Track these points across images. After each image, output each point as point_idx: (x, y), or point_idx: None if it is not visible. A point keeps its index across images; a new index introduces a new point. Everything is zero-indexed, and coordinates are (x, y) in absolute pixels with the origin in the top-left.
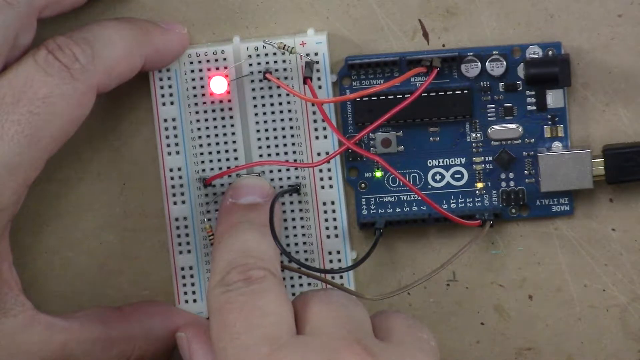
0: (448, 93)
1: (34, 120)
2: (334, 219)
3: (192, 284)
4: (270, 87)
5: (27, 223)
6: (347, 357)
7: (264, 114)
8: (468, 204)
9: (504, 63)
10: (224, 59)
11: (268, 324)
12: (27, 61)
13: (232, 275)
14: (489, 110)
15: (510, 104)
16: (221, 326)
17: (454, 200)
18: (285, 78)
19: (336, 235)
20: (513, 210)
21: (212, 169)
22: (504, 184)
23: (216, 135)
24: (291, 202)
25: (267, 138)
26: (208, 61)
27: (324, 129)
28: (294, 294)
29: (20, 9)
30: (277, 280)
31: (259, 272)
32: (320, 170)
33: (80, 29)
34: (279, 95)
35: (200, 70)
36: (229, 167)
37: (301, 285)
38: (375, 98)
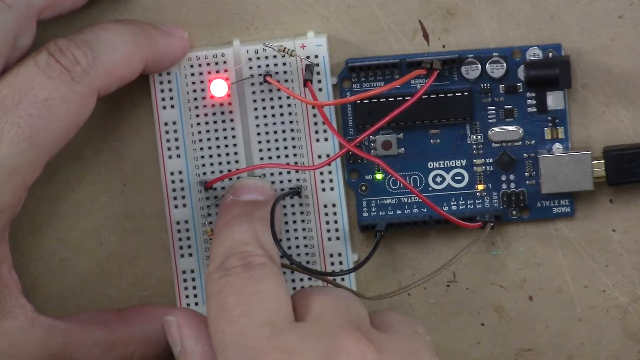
0: (448, 95)
1: (34, 122)
2: (335, 222)
3: (194, 287)
4: (270, 90)
5: (27, 224)
6: (347, 342)
7: (265, 116)
8: (469, 206)
9: (504, 65)
10: (224, 62)
11: (268, 308)
12: (27, 63)
13: (232, 261)
14: (489, 112)
15: (510, 106)
16: (220, 309)
17: (455, 202)
18: (286, 81)
19: (337, 238)
20: (514, 212)
21: (212, 172)
22: (504, 186)
23: (217, 138)
24: (292, 205)
25: (268, 141)
26: (208, 64)
27: (325, 131)
28: None
29: (19, 11)
30: (276, 268)
31: (259, 259)
32: (321, 173)
33: (81, 31)
34: (280, 98)
35: (201, 73)
36: (229, 170)
37: (302, 287)
38: (375, 100)
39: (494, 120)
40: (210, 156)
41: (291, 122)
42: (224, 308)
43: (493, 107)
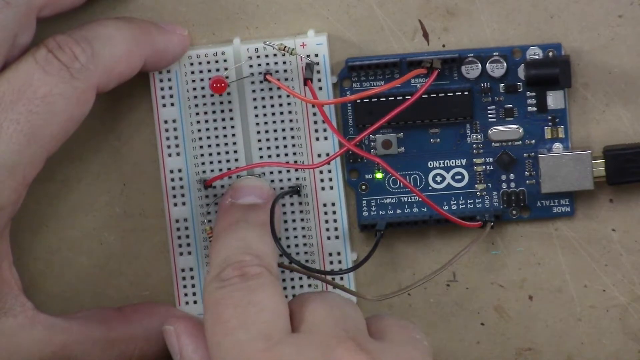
0: (448, 94)
1: (33, 119)
2: (335, 221)
3: (193, 285)
4: (270, 89)
5: (27, 223)
6: (343, 354)
7: (264, 115)
8: (469, 206)
9: (505, 64)
10: (224, 60)
11: (264, 320)
12: (27, 60)
13: (228, 271)
14: (489, 111)
15: (510, 105)
16: (216, 321)
17: (455, 202)
18: (286, 79)
19: (336, 237)
20: (514, 212)
21: (212, 171)
22: (504, 186)
23: (216, 136)
24: (292, 204)
25: (268, 139)
26: (208, 62)
27: (325, 130)
28: (294, 295)
29: (19, 8)
30: (273, 277)
31: (255, 269)
32: (321, 172)
33: (80, 28)
34: (279, 96)
35: (201, 71)
36: (229, 169)
37: (301, 286)
38: (375, 99)
39: (494, 119)
40: (210, 154)
41: (291, 120)
42: (221, 320)
43: (493, 107)
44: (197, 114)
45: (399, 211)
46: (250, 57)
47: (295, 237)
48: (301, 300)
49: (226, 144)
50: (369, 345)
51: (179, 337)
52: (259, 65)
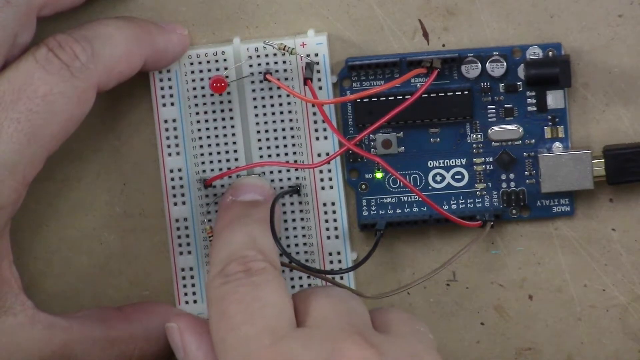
0: (448, 94)
1: (34, 118)
2: (335, 220)
3: (193, 285)
4: (270, 88)
5: (27, 223)
6: (349, 347)
7: (264, 114)
8: (469, 205)
9: (504, 64)
10: (224, 60)
11: (269, 315)
12: (27, 59)
13: (233, 266)
14: (489, 111)
15: (510, 105)
16: (221, 317)
17: (455, 201)
18: (286, 79)
19: (336, 236)
20: (514, 211)
21: (212, 170)
22: (504, 185)
23: (216, 136)
24: (291, 203)
25: (268, 139)
26: (208, 62)
27: (325, 130)
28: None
29: (19, 8)
30: (277, 272)
31: (259, 264)
32: (321, 171)
33: (81, 27)
34: (279, 96)
35: (201, 71)
36: (229, 168)
37: (301, 285)
38: (375, 99)
39: (494, 119)
40: (210, 154)
41: (291, 120)
42: (226, 315)
43: (493, 106)
44: (197, 113)
45: (399, 211)
46: (250, 57)
47: (295, 236)
48: (305, 294)
49: (226, 144)
50: (375, 339)
51: (182, 334)
52: (259, 64)
